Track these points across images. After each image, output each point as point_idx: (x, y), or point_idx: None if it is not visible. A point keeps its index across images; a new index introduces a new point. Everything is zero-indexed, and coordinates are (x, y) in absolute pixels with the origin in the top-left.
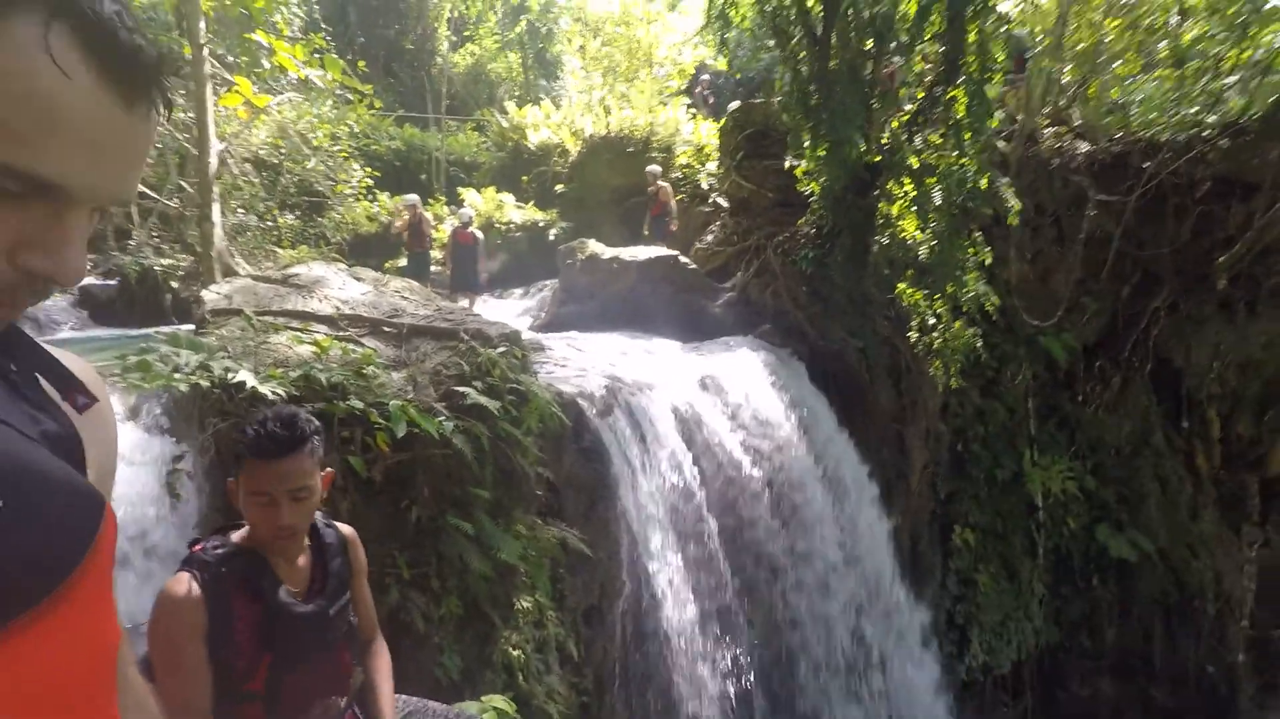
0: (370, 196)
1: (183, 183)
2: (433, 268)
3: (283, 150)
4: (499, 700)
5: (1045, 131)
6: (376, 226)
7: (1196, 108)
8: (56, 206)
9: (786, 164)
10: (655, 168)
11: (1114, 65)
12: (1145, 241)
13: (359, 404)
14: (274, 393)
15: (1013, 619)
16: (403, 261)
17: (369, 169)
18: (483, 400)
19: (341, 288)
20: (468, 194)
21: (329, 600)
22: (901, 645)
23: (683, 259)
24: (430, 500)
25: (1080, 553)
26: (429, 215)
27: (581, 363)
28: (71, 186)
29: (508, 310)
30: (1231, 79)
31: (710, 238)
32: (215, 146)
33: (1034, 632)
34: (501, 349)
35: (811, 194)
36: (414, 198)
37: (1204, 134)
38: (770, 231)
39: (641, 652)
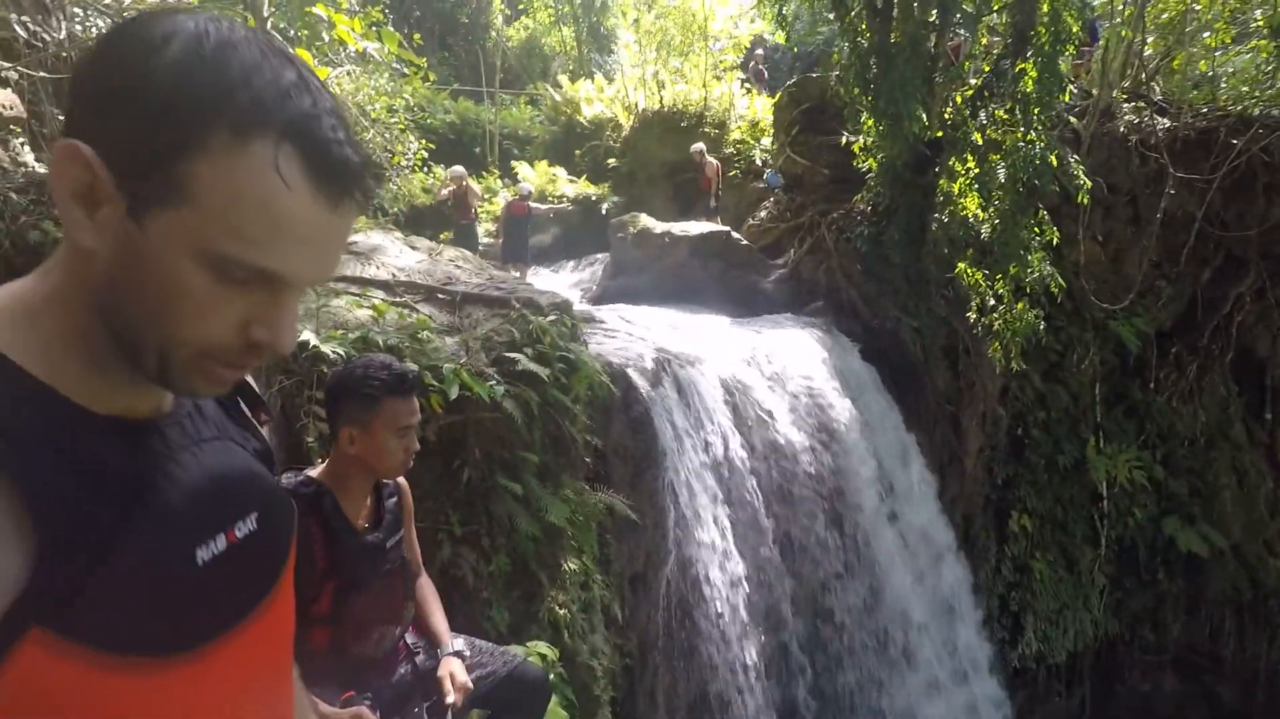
0: (426, 169)
1: None
2: (484, 240)
3: None
4: (543, 647)
5: (1123, 106)
6: (431, 199)
7: None
8: (275, 289)
9: (843, 140)
10: (699, 145)
11: (1203, 36)
12: (1230, 223)
13: (413, 366)
14: (334, 352)
15: (1070, 609)
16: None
17: (424, 142)
18: (533, 367)
19: (398, 256)
20: (521, 167)
21: (386, 534)
22: (953, 626)
23: (734, 235)
24: (481, 461)
25: (1146, 545)
26: (476, 187)
27: (631, 334)
28: (288, 275)
29: (559, 282)
30: None
31: (763, 214)
32: None
33: (1093, 623)
34: (552, 318)
35: (868, 170)
36: (459, 169)
37: None
38: (824, 209)
39: (685, 622)
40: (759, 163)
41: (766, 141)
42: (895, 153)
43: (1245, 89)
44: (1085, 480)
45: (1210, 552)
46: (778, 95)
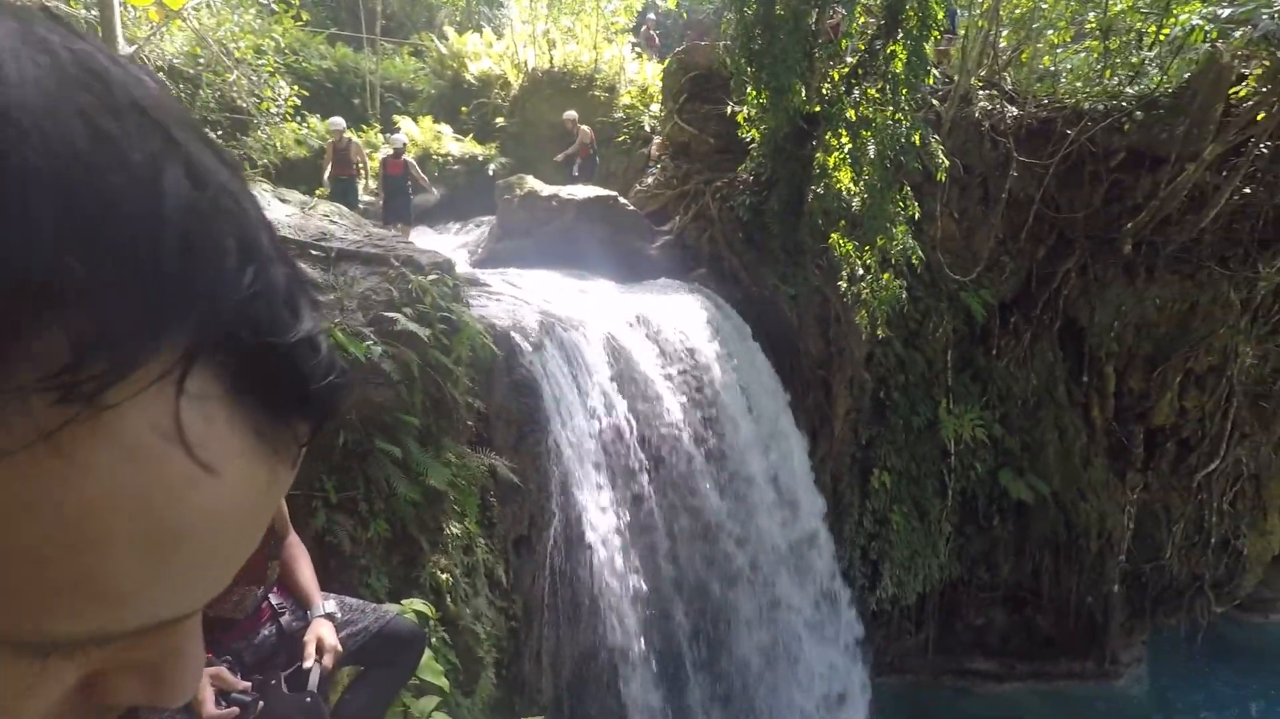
0: (299, 118)
1: None
2: (365, 198)
3: (201, 61)
4: (419, 604)
5: (979, 94)
6: (306, 151)
7: (1118, 79)
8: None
9: (729, 110)
10: (572, 112)
11: (1048, 33)
12: (1062, 206)
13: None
14: None
15: (921, 555)
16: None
17: (297, 88)
18: (412, 327)
19: (265, 208)
20: (403, 122)
21: None
22: (818, 578)
23: (621, 200)
24: (358, 425)
25: (985, 495)
26: (358, 141)
27: (516, 298)
28: (185, 613)
29: (444, 244)
30: (1151, 54)
31: (650, 180)
32: (123, 50)
33: (939, 567)
34: (433, 277)
35: (752, 141)
36: (339, 121)
37: (1122, 105)
38: (709, 177)
39: (569, 584)
40: (648, 129)
41: (656, 108)
42: (777, 125)
43: (1079, 84)
44: (936, 439)
45: (1035, 499)
46: (666, 61)
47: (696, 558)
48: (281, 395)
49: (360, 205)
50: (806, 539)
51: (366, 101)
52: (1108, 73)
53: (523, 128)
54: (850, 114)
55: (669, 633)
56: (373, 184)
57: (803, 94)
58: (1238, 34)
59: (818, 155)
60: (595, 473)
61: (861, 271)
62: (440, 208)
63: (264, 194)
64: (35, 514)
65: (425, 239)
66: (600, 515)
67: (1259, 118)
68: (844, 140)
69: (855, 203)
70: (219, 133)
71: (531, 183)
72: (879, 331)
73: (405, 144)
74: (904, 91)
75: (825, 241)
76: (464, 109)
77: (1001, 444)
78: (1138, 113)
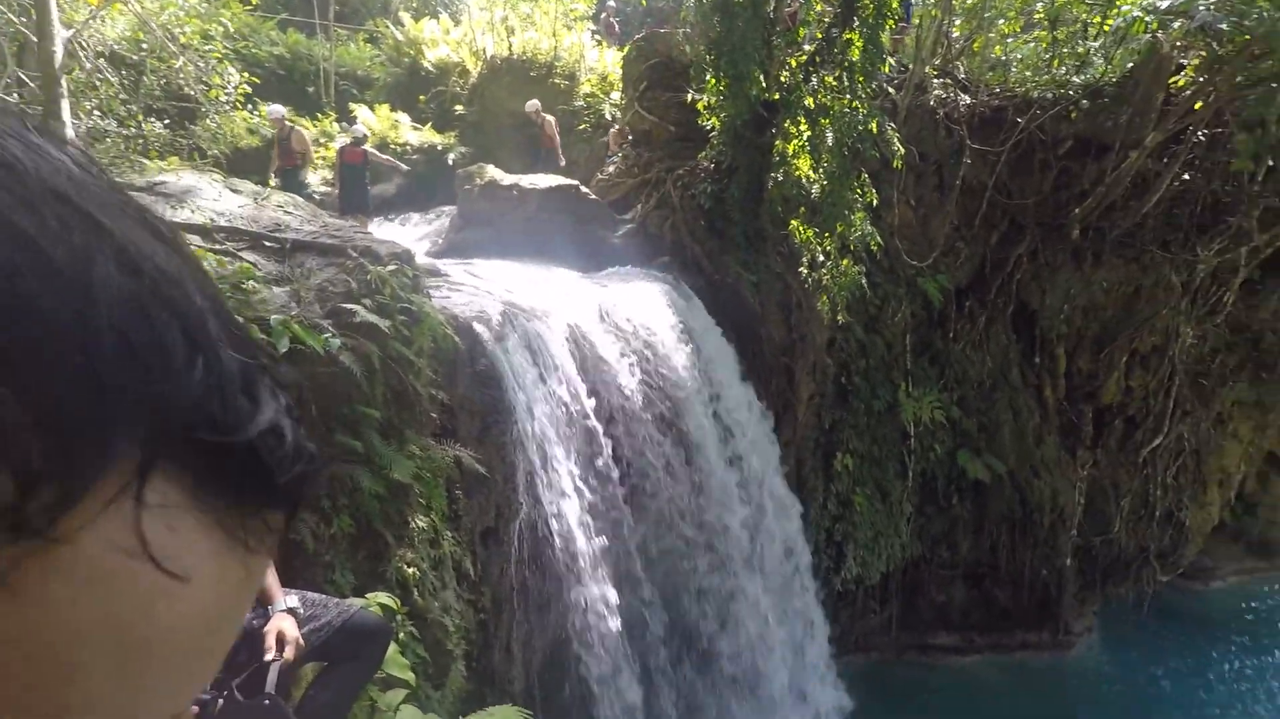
0: (250, 107)
1: (22, 74)
2: (322, 189)
3: (144, 47)
4: (384, 597)
5: (933, 82)
6: (259, 140)
7: (1065, 69)
8: None
9: (689, 98)
10: (535, 101)
11: (998, 22)
12: (1013, 193)
13: (236, 319)
14: None
15: (884, 535)
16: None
17: (248, 75)
18: (372, 318)
19: (216, 199)
20: (360, 110)
21: None
22: (787, 562)
23: (583, 189)
24: (318, 419)
25: (944, 475)
26: (301, 130)
27: (478, 288)
28: (175, 711)
29: (404, 235)
30: (1096, 44)
31: (611, 169)
32: (60, 34)
33: (901, 546)
34: (392, 267)
35: (712, 129)
36: (277, 109)
37: (1069, 94)
38: (671, 165)
39: (538, 574)
40: (609, 117)
41: (616, 96)
42: (736, 112)
43: (1029, 74)
44: (897, 421)
45: (992, 478)
46: (626, 49)
47: (663, 543)
48: (248, 491)
49: (315, 196)
50: (776, 527)
51: (321, 89)
52: (1055, 62)
53: (482, 116)
54: (809, 102)
55: (637, 617)
56: (318, 176)
57: (762, 82)
58: (1176, 25)
59: (777, 143)
60: (560, 462)
61: (822, 258)
62: (399, 198)
63: (215, 184)
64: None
65: (384, 230)
66: (566, 504)
67: (1197, 106)
68: (803, 128)
69: (814, 190)
70: (166, 121)
71: (492, 172)
72: (840, 317)
73: (366, 134)
74: (860, 79)
75: (785, 228)
76: (422, 97)
77: (959, 425)
78: (1084, 101)
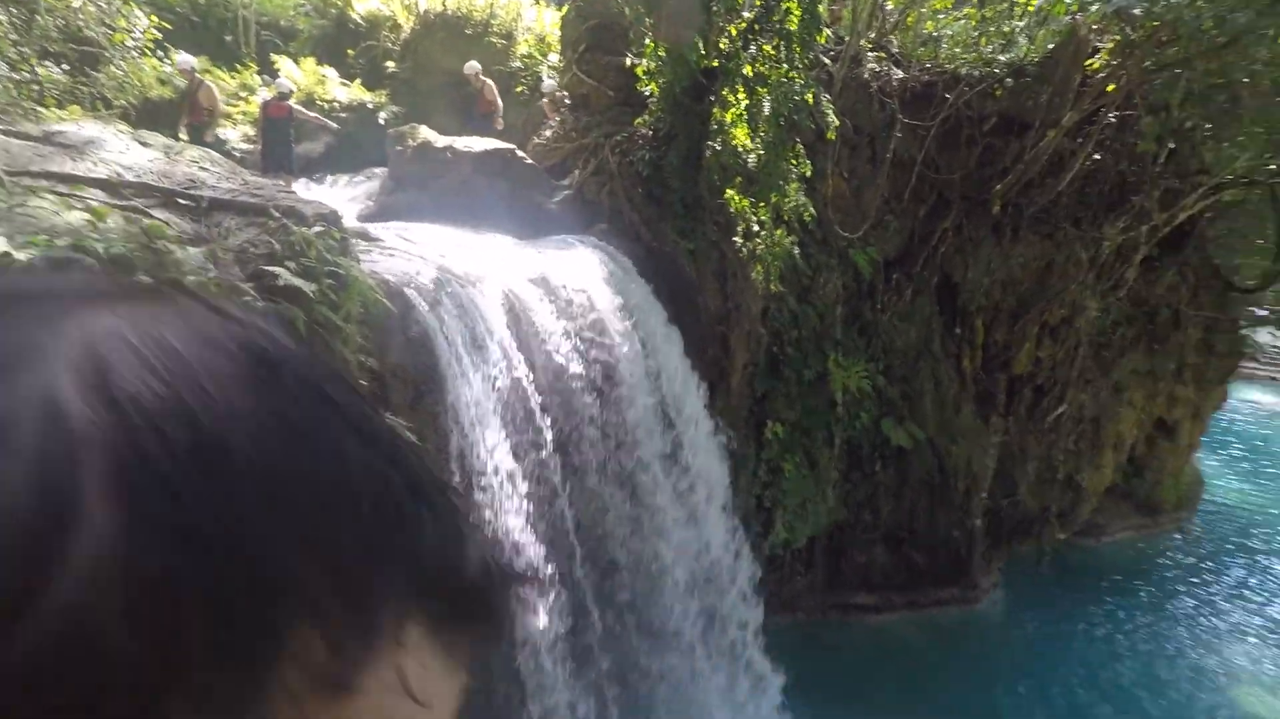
0: (162, 54)
1: None
2: (242, 145)
3: None
4: None
5: (868, 55)
6: (171, 91)
7: (992, 47)
8: None
9: (628, 62)
10: (474, 64)
11: None
12: (941, 167)
13: (147, 280)
14: (33, 258)
15: (811, 501)
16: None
17: (156, 19)
18: (297, 282)
19: (123, 152)
20: (283, 63)
21: None
22: (719, 529)
23: (519, 154)
24: None
25: (869, 443)
26: (210, 83)
27: (410, 253)
28: None
29: (332, 196)
30: (1020, 24)
31: (549, 133)
32: None
33: (827, 511)
34: (318, 229)
35: (651, 95)
36: (188, 59)
37: (995, 72)
38: (609, 130)
39: None
40: (545, 79)
41: (555, 58)
42: (675, 78)
43: (958, 50)
44: (826, 391)
45: (913, 445)
46: (565, 9)
47: (596, 513)
48: (469, 619)
49: (235, 154)
50: (705, 499)
51: (240, 38)
52: (983, 40)
53: (415, 73)
54: (747, 70)
55: (571, 584)
56: (238, 132)
57: (700, 48)
58: (1094, 8)
59: (715, 111)
60: (494, 431)
61: (756, 228)
62: (327, 158)
63: (121, 136)
64: None
65: (311, 191)
66: (500, 472)
67: (1110, 89)
68: (741, 97)
69: (751, 159)
70: (64, 66)
71: (425, 133)
72: (774, 287)
73: (291, 89)
74: (798, 50)
75: (722, 197)
76: (350, 51)
77: (884, 394)
78: (1008, 80)
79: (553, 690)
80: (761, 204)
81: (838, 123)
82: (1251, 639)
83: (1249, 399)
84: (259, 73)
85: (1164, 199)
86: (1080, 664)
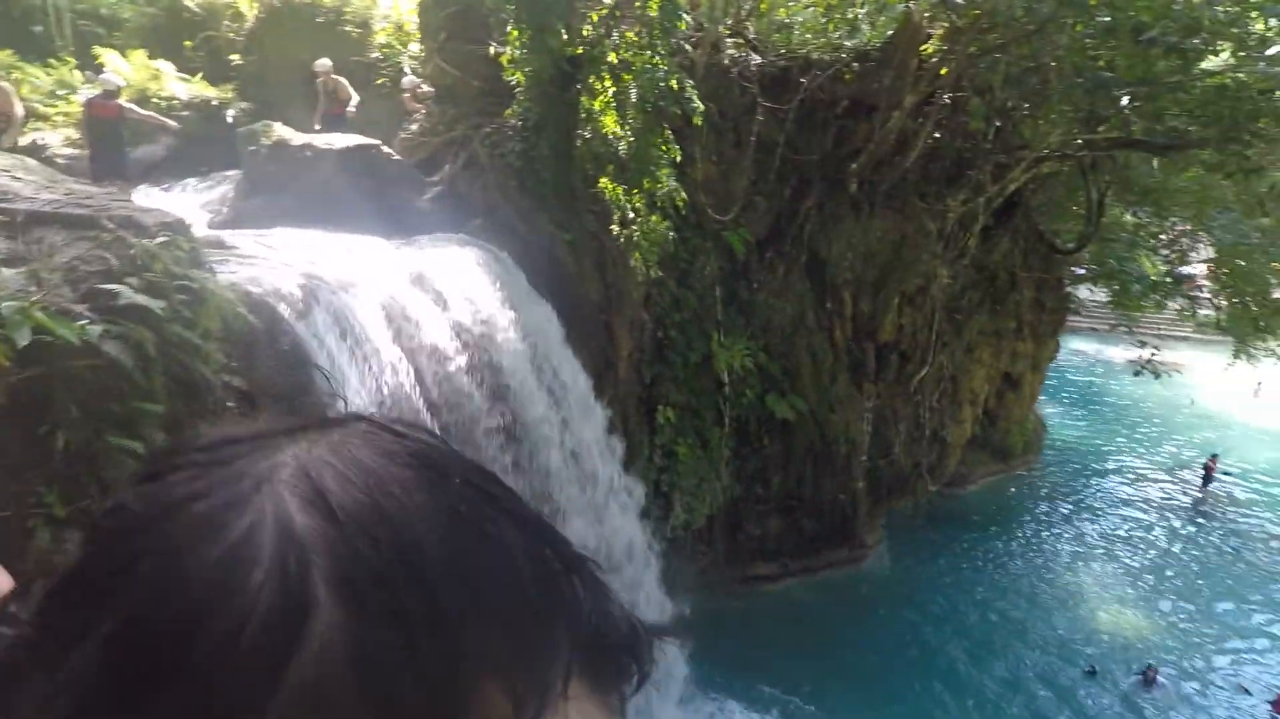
0: None
1: None
2: (66, 150)
3: None
4: None
5: (726, 41)
6: None
7: (839, 33)
8: None
9: (492, 50)
10: (325, 61)
11: None
12: (801, 149)
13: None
14: None
15: (706, 481)
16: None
17: None
18: (141, 300)
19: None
20: (108, 57)
21: None
22: (622, 518)
23: (385, 149)
24: (80, 420)
25: (755, 418)
26: (4, 83)
27: (274, 261)
28: None
29: (179, 204)
30: (863, 11)
31: (414, 127)
32: None
33: (722, 489)
34: (162, 240)
35: (517, 84)
36: None
37: (842, 57)
38: (477, 122)
39: None
40: (408, 70)
41: (415, 47)
42: (540, 67)
43: (809, 37)
44: (711, 371)
45: (796, 416)
46: None
47: None
48: (621, 672)
49: (58, 161)
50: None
51: (53, 30)
52: (831, 26)
53: (263, 67)
54: (611, 57)
55: None
56: (60, 135)
57: (564, 35)
58: None
59: (583, 99)
60: None
61: (632, 215)
62: (170, 162)
63: None
64: None
65: (153, 199)
66: None
67: (943, 72)
68: (607, 84)
69: (621, 147)
70: None
71: (280, 131)
72: (653, 273)
73: (120, 84)
74: (659, 35)
75: (596, 186)
76: (188, 43)
77: (766, 370)
78: (855, 64)
79: None
80: (635, 191)
81: (703, 108)
82: (1095, 560)
83: (1076, 349)
84: (79, 68)
85: (995, 173)
86: (955, 601)
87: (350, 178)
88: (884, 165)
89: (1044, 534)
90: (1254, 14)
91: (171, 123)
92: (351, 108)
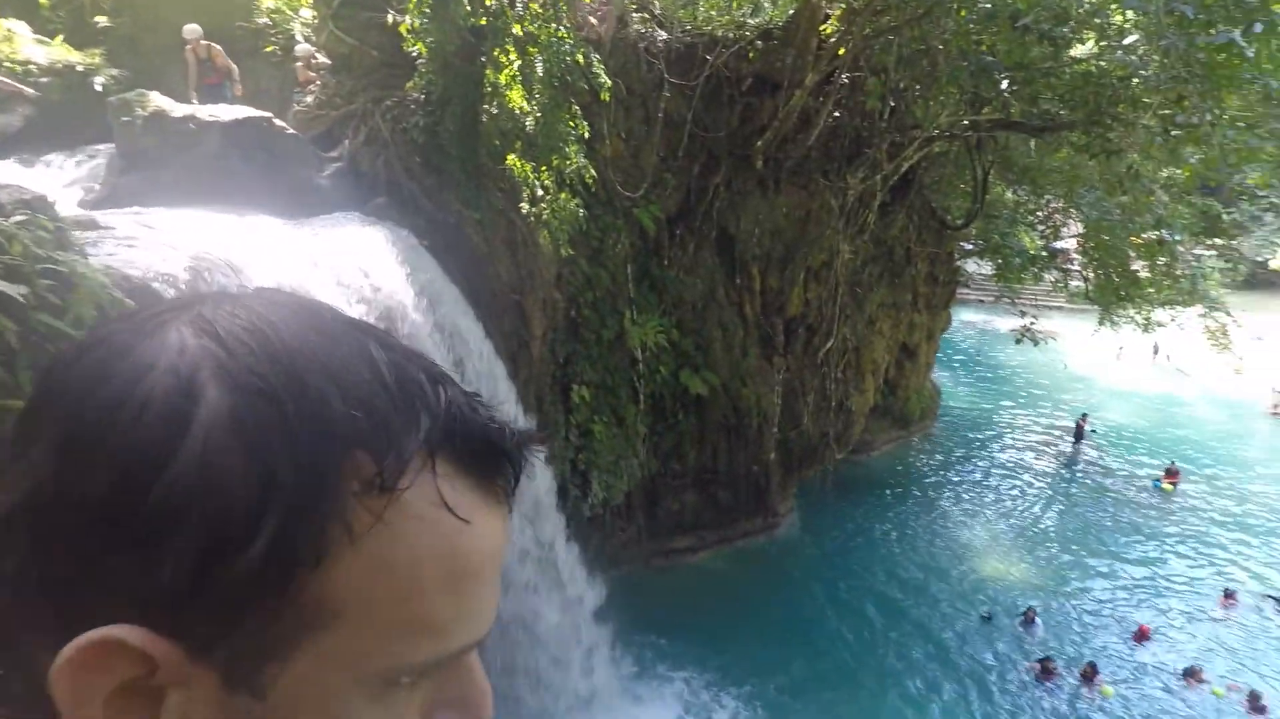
0: None
1: None
2: None
3: None
4: None
5: (633, 15)
6: None
7: (743, 11)
8: (457, 662)
9: (390, 19)
10: (194, 26)
11: None
12: (708, 125)
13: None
14: None
15: (623, 458)
16: None
17: None
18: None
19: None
20: None
21: None
22: (539, 503)
23: (278, 122)
24: None
25: (670, 394)
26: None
27: (157, 242)
28: (480, 637)
29: (47, 182)
30: None
31: (310, 99)
32: None
33: (639, 465)
34: (19, 219)
35: (419, 55)
36: None
37: (746, 34)
38: (377, 95)
39: None
40: (299, 38)
41: (307, 13)
42: (443, 38)
43: (714, 14)
44: (625, 349)
45: (709, 391)
46: None
47: None
48: (489, 461)
49: None
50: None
51: None
52: (734, 4)
53: (136, 30)
54: (516, 29)
55: None
56: None
57: (466, 4)
58: None
59: (488, 72)
60: None
61: (541, 192)
62: (28, 134)
63: None
64: (380, 573)
65: (10, 175)
66: None
67: (841, 52)
68: (512, 57)
69: (529, 122)
70: None
71: (158, 101)
72: (563, 251)
73: None
74: (564, 7)
75: (504, 163)
76: (43, 1)
77: (679, 346)
78: (758, 43)
79: None
80: (544, 168)
81: (610, 83)
82: (986, 515)
83: (966, 320)
84: None
85: (891, 151)
86: (863, 561)
87: (240, 153)
88: (788, 142)
89: (941, 494)
90: (1114, 6)
91: (28, 89)
92: (238, 88)
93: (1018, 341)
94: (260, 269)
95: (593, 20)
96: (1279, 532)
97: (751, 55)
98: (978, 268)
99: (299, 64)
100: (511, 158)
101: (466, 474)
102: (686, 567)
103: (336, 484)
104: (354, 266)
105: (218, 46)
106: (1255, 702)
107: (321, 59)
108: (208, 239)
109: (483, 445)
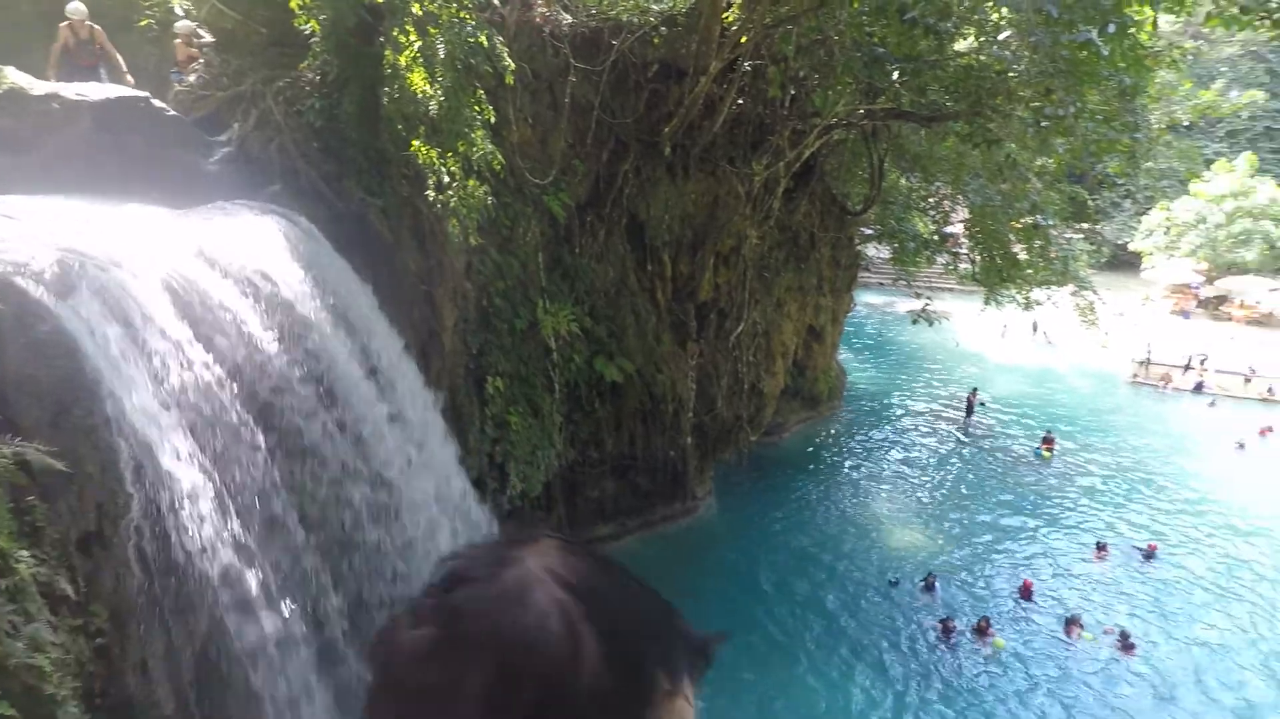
0: None
1: None
2: None
3: None
4: None
5: None
6: None
7: None
8: None
9: None
10: (78, 5)
11: None
12: (616, 112)
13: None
14: None
15: (540, 448)
16: None
17: None
18: None
19: None
20: None
21: None
22: (451, 493)
23: (156, 103)
24: None
25: (585, 382)
26: None
27: (20, 234)
28: None
29: None
30: None
31: (193, 79)
32: None
33: (557, 455)
34: None
35: (312, 34)
36: None
37: (651, 20)
38: (267, 75)
39: (169, 573)
40: (178, 11)
41: None
42: (337, 15)
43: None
44: (538, 338)
45: (625, 378)
46: None
47: (322, 506)
48: (704, 669)
49: None
50: (435, 460)
51: None
52: None
53: None
54: (415, 8)
55: (306, 594)
56: None
57: None
58: None
59: (387, 54)
60: (180, 435)
61: (448, 179)
62: None
63: None
64: None
65: None
66: (195, 483)
67: (743, 40)
68: (413, 38)
69: (432, 106)
70: None
71: (15, 77)
72: (472, 239)
73: None
74: None
75: (408, 149)
76: None
77: (592, 334)
78: (663, 29)
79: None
80: (450, 154)
81: (514, 66)
82: (890, 487)
83: (867, 302)
84: None
85: (792, 139)
86: (779, 538)
87: (113, 136)
88: (695, 129)
89: (849, 470)
90: (990, 3)
91: None
92: (129, 79)
93: (914, 322)
94: (141, 263)
95: (496, 2)
96: (1141, 488)
97: (656, 41)
98: (877, 252)
99: (179, 40)
100: (416, 143)
101: (692, 682)
102: (610, 552)
103: (653, 692)
104: (246, 258)
105: (100, 30)
106: (1125, 640)
107: (205, 36)
108: (80, 230)
109: (702, 660)
